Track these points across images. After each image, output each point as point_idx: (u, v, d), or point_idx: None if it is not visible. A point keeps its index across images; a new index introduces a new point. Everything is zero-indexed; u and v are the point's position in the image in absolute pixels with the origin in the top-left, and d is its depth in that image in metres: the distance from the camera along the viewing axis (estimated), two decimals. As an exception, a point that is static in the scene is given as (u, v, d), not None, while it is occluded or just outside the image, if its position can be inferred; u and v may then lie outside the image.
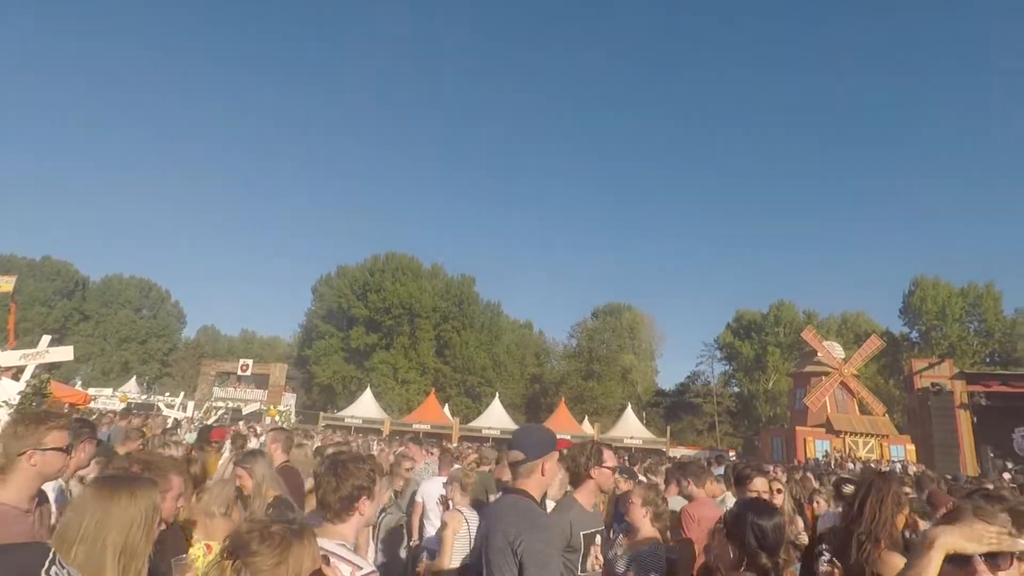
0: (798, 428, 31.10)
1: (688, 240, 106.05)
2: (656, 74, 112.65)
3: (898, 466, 23.68)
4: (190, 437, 11.47)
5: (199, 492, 2.97)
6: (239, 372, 37.91)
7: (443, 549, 4.08)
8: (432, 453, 10.33)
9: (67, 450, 2.29)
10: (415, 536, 5.50)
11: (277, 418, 27.07)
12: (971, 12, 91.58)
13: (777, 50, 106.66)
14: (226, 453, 7.07)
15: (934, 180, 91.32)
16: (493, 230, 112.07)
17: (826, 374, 32.42)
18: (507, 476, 6.36)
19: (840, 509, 5.39)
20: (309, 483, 4.04)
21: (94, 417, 13.20)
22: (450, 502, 4.74)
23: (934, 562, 1.43)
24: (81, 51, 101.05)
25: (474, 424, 40.80)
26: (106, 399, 31.32)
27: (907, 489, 6.96)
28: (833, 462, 25.31)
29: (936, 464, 25.24)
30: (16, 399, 10.93)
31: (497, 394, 45.59)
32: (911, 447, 29.34)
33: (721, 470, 9.12)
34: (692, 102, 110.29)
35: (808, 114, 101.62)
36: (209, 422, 22.15)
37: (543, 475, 2.33)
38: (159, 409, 28.72)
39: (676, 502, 4.43)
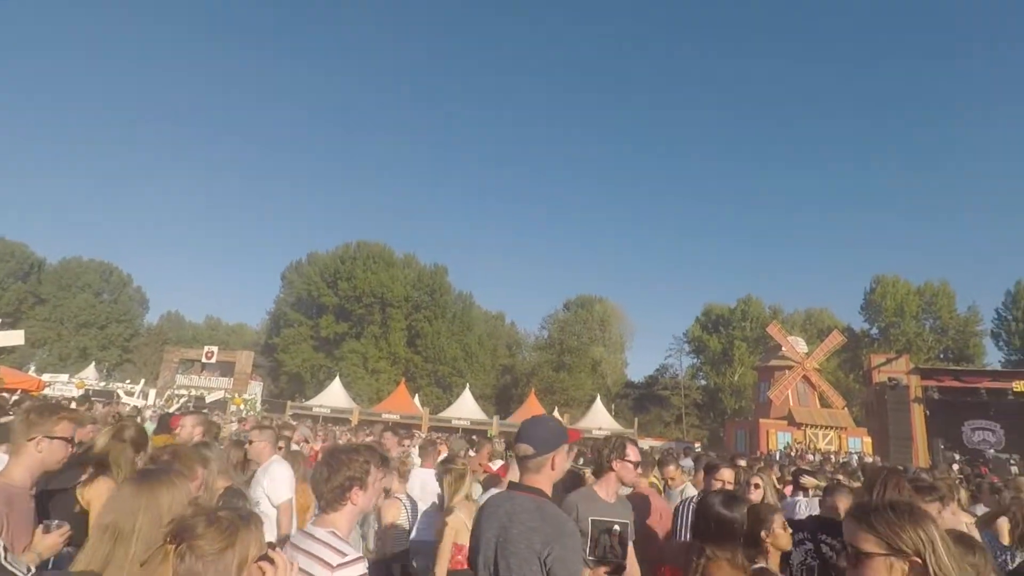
0: (761, 420, 31.88)
1: (661, 234, 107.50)
2: (630, 64, 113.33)
3: (855, 457, 24.48)
4: (150, 425, 11.15)
5: None
6: (204, 359, 37.05)
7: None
8: (403, 445, 10.25)
9: (71, 441, 2.42)
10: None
11: (242, 407, 26.60)
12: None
13: (744, 39, 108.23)
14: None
15: (898, 180, 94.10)
16: (467, 220, 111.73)
17: (789, 368, 33.27)
18: (475, 466, 6.39)
19: (801, 498, 5.56)
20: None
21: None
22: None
23: None
24: (39, 19, 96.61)
25: (444, 415, 40.75)
26: (61, 385, 30.27)
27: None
28: (794, 453, 26.05)
29: (891, 456, 26.21)
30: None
31: (468, 385, 45.60)
32: (868, 439, 30.37)
33: (688, 461, 9.27)
34: (666, 93, 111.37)
35: (781, 108, 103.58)
36: (171, 410, 21.59)
37: (553, 469, 2.25)
38: (118, 396, 27.89)
39: (626, 492, 4.51)
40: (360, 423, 32.73)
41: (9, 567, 1.91)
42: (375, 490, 2.27)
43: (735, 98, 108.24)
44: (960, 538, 2.27)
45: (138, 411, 17.82)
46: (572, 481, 3.88)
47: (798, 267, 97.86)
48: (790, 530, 2.72)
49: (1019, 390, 28.66)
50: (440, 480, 4.71)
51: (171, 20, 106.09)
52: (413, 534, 5.04)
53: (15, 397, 11.63)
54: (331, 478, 2.14)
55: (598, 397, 44.39)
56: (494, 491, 4.24)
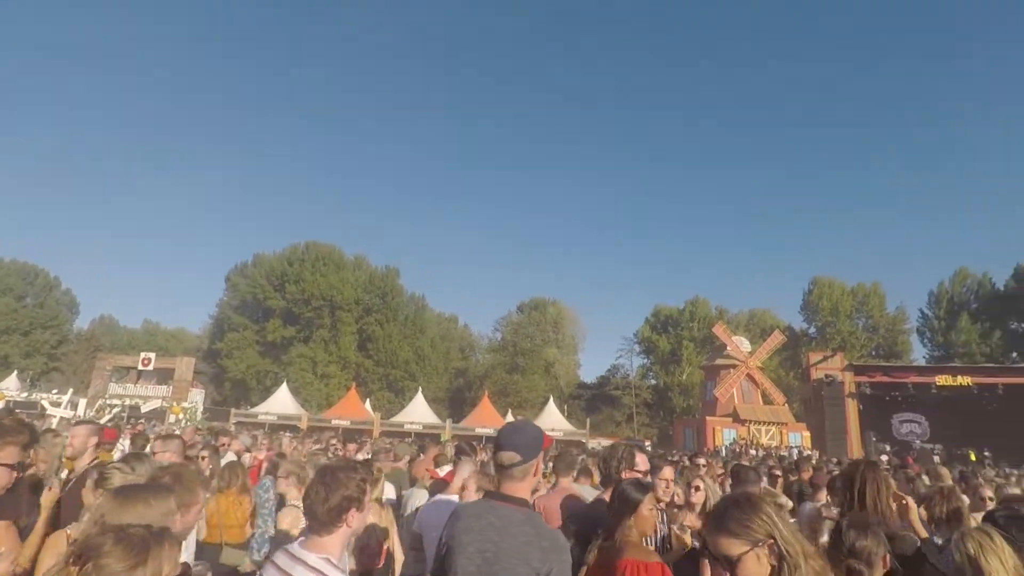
0: (708, 418, 32.84)
1: (612, 237, 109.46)
2: (580, 65, 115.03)
3: (795, 451, 25.54)
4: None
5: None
6: (140, 366, 35.18)
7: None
8: (346, 450, 10.02)
9: (17, 467, 2.27)
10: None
11: (181, 416, 25.43)
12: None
13: (696, 42, 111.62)
14: (116, 455, 6.53)
15: (832, 184, 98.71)
16: (420, 221, 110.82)
17: (734, 367, 34.41)
18: (421, 472, 6.28)
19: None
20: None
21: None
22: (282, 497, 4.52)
23: None
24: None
25: (396, 419, 40.16)
26: (-21, 397, 28.14)
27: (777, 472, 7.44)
28: (738, 449, 26.95)
29: (827, 449, 27.44)
30: None
31: (420, 388, 45.12)
32: (807, 434, 31.73)
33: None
34: (615, 96, 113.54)
35: (726, 112, 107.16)
36: (102, 421, 20.43)
37: (535, 476, 2.22)
38: (43, 408, 26.19)
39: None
40: (309, 430, 31.89)
41: None
42: (369, 511, 2.20)
43: (682, 102, 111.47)
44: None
45: (67, 423, 16.81)
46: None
47: (743, 268, 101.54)
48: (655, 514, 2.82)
49: (941, 384, 30.58)
50: None
51: (92, 17, 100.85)
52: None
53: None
54: (329, 498, 2.02)
55: (551, 398, 44.72)
56: (442, 497, 4.17)
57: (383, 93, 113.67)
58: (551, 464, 6.73)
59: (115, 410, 28.78)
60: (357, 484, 2.09)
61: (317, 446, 11.87)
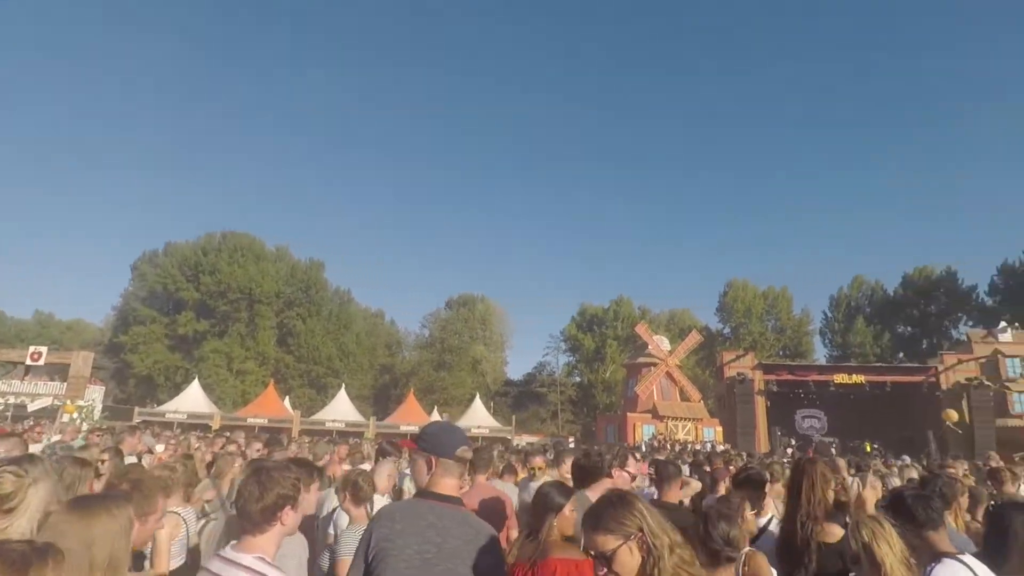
0: (629, 414, 33.94)
1: (542, 235, 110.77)
2: (510, 57, 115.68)
3: (709, 446, 26.86)
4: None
5: None
6: (29, 361, 32.06)
7: (159, 555, 3.40)
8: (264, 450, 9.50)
9: None
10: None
11: (75, 415, 23.39)
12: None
13: (631, 47, 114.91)
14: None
15: (747, 188, 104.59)
16: (346, 214, 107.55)
17: (654, 365, 35.72)
18: (336, 472, 6.04)
19: (654, 488, 5.91)
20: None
21: None
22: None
23: None
24: None
25: (317, 417, 38.91)
26: None
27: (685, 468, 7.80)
28: (657, 444, 28.01)
29: (738, 443, 29.01)
30: None
31: (344, 385, 43.92)
32: (719, 429, 33.44)
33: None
34: (543, 92, 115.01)
35: (653, 114, 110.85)
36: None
37: (462, 477, 2.34)
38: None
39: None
40: (221, 428, 30.26)
41: None
42: (303, 510, 2.19)
43: (609, 102, 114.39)
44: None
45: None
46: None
47: (666, 269, 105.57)
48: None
49: (838, 382, 33.08)
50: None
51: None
52: None
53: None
54: (262, 496, 1.99)
55: (477, 396, 44.76)
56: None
57: (310, 80, 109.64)
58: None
59: (-4, 409, 26.07)
60: (292, 483, 2.09)
61: (233, 446, 11.20)
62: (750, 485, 3.79)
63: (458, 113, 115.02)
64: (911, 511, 2.45)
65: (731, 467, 6.77)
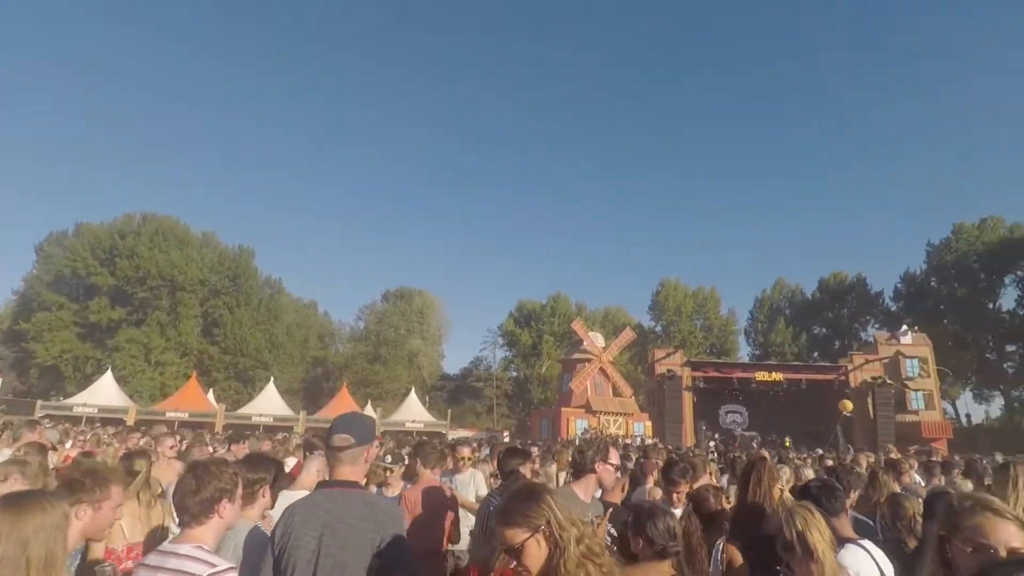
0: (563, 409, 34.55)
1: (481, 230, 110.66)
2: (454, 52, 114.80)
3: (639, 439, 27.75)
4: None
5: None
6: (-89, 349, 29.07)
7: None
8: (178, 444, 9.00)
9: None
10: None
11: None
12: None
13: (558, 32, 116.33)
14: None
15: (678, 188, 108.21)
16: (279, 200, 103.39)
17: (589, 361, 36.50)
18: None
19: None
20: None
21: None
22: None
23: None
24: None
25: (243, 411, 37.27)
26: None
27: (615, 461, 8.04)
28: (589, 437, 28.64)
29: (666, 437, 30.13)
30: None
31: (272, 378, 42.30)
32: (649, 423, 34.61)
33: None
34: (488, 87, 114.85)
35: (591, 111, 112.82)
36: None
37: (366, 463, 2.37)
38: None
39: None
40: (137, 423, 28.49)
41: None
42: (240, 504, 2.25)
43: (551, 97, 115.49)
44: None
45: None
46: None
47: (600, 267, 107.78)
48: None
49: (760, 379, 34.93)
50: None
51: None
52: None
53: None
54: (200, 490, 2.08)
55: (412, 390, 44.26)
56: (287, 493, 3.86)
57: (247, 58, 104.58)
58: (407, 456, 6.61)
59: None
60: (230, 476, 2.16)
61: (143, 440, 10.53)
62: (674, 477, 3.96)
63: (397, 101, 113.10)
64: (817, 500, 2.64)
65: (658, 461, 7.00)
